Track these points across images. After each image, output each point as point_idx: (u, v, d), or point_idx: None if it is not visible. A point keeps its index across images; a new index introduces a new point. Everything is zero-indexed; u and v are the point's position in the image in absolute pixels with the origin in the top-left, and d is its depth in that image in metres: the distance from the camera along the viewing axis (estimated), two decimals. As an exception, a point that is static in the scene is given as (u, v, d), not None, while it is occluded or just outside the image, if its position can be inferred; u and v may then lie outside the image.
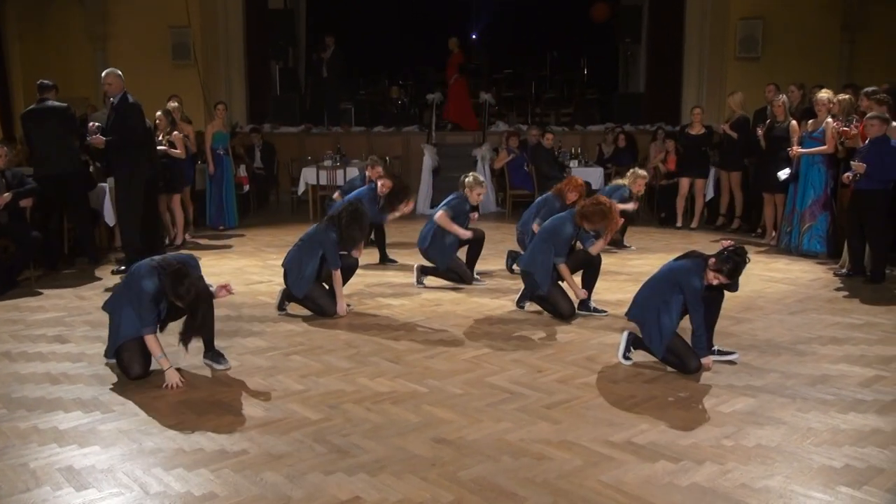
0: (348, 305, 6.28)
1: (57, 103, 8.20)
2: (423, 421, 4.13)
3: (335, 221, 6.08)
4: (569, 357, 5.16)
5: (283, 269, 6.25)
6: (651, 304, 4.88)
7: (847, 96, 8.14)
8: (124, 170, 7.76)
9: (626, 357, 5.01)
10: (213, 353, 5.00)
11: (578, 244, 6.26)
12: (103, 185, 8.80)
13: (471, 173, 7.34)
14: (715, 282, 4.75)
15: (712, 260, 4.76)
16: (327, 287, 6.22)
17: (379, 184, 8.08)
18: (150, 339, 4.67)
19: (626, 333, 5.08)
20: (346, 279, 6.33)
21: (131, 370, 4.71)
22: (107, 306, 4.96)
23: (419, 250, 7.27)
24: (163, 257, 4.88)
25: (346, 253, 6.23)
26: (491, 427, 4.04)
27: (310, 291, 6.10)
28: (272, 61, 15.13)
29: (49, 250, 7.85)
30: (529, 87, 15.84)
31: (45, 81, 8.24)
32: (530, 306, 6.38)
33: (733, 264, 4.69)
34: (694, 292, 4.74)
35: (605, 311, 6.21)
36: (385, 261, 8.35)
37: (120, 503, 3.29)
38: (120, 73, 7.60)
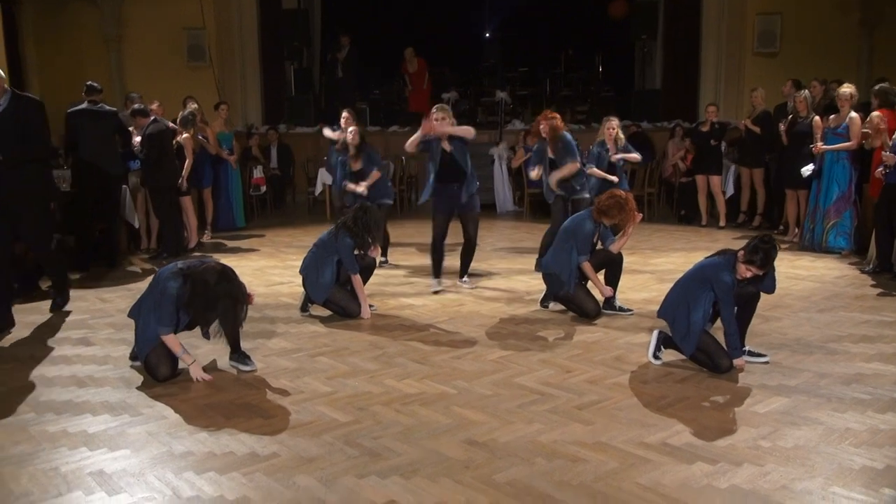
0: (371, 307, 6.25)
1: (109, 108, 8.48)
2: (454, 423, 4.08)
3: (348, 227, 6.04)
4: (597, 357, 5.11)
5: (301, 275, 6.22)
6: (681, 302, 4.83)
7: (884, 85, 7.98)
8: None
9: (655, 356, 4.96)
10: (238, 355, 4.97)
11: (599, 244, 6.21)
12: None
13: None
14: (748, 274, 4.68)
15: (741, 252, 4.70)
16: (349, 289, 6.18)
17: (350, 131, 7.90)
18: (169, 339, 4.68)
19: (656, 332, 5.03)
20: (365, 279, 6.29)
21: (158, 372, 4.70)
22: (132, 313, 4.95)
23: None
24: (188, 262, 4.88)
25: (362, 253, 6.19)
26: (523, 429, 3.99)
27: (330, 296, 6.07)
28: (287, 62, 15.12)
29: (81, 252, 7.98)
30: (544, 85, 15.76)
31: (94, 84, 8.44)
32: (554, 306, 6.33)
33: (763, 253, 4.63)
34: (725, 288, 4.68)
35: (630, 311, 6.15)
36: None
37: (153, 507, 3.27)
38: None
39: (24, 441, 3.92)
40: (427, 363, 5.04)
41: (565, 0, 16.24)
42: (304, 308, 6.28)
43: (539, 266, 7.45)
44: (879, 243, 7.25)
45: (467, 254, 7.12)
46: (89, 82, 8.41)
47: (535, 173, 7.46)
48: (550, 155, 7.33)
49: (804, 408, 4.21)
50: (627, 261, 7.22)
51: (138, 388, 4.65)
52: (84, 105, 8.22)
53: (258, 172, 11.93)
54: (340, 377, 4.80)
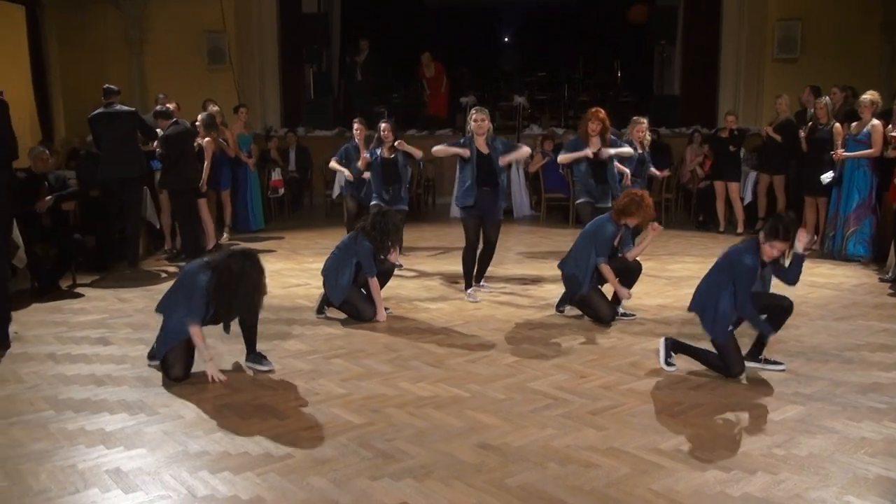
0: (387, 309, 6.27)
1: (125, 107, 8.56)
2: (467, 426, 4.10)
3: (366, 230, 6.08)
4: (611, 363, 5.11)
5: (322, 276, 6.26)
6: (709, 292, 4.79)
7: None
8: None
9: (668, 363, 4.95)
10: (255, 356, 5.02)
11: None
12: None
13: None
14: (775, 252, 4.64)
15: (762, 234, 4.68)
16: (365, 292, 6.22)
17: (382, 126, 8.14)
18: (195, 330, 4.72)
19: (663, 339, 5.02)
20: (382, 284, 6.32)
21: (172, 371, 4.75)
22: (160, 307, 4.98)
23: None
24: (213, 256, 4.96)
25: (382, 258, 6.22)
26: (536, 433, 4.00)
27: (347, 297, 6.11)
28: (306, 65, 15.19)
29: (102, 252, 8.06)
30: (563, 90, 15.73)
31: (112, 87, 8.54)
32: (570, 311, 6.32)
33: (783, 225, 4.61)
34: (743, 269, 4.63)
35: (633, 315, 6.14)
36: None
37: (168, 506, 3.30)
38: None
39: (44, 438, 3.98)
40: (441, 366, 5.06)
41: (584, 5, 16.21)
42: (320, 310, 6.32)
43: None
44: (899, 252, 7.20)
45: (486, 258, 7.12)
46: (106, 85, 8.50)
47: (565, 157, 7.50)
48: (590, 152, 7.26)
49: (819, 416, 4.19)
50: (644, 267, 7.22)
51: (155, 388, 4.70)
52: (101, 109, 8.29)
53: (276, 175, 12.00)
54: (355, 379, 4.83)
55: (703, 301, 4.83)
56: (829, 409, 4.30)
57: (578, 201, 7.51)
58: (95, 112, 8.34)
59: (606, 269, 5.99)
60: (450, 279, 7.63)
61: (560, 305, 6.35)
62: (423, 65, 14.38)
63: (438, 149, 6.86)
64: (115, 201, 8.30)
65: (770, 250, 4.66)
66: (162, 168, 8.64)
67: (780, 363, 4.92)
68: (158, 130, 8.76)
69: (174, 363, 4.76)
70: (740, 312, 4.71)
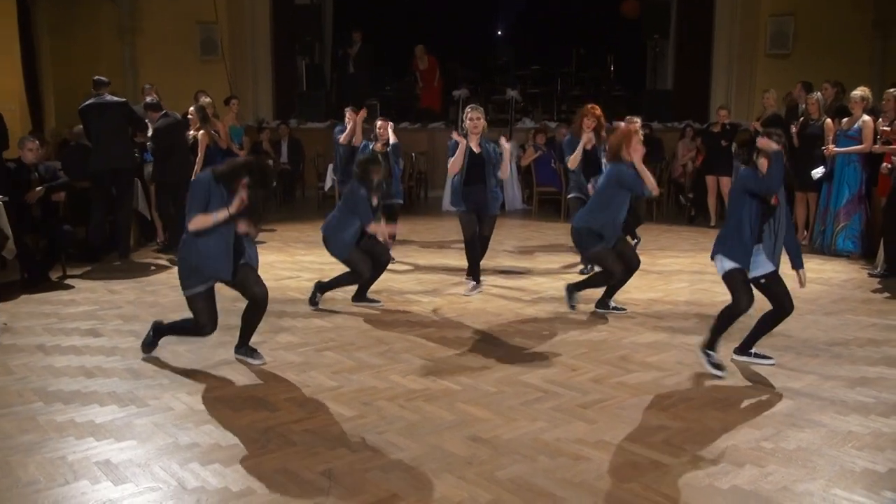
0: (377, 302, 6.28)
1: (116, 98, 8.50)
2: (458, 419, 4.10)
3: (357, 176, 6.12)
4: (602, 356, 5.12)
5: (322, 235, 6.23)
6: (728, 228, 4.79)
7: None
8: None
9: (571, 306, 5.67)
10: (246, 349, 5.01)
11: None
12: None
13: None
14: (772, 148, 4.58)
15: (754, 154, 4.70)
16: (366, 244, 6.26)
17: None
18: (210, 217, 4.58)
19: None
20: (375, 277, 6.31)
21: (206, 329, 4.86)
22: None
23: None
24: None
25: (376, 241, 6.22)
26: (526, 426, 4.01)
27: (349, 255, 6.13)
28: (298, 57, 15.15)
29: (91, 243, 8.01)
30: (555, 84, 15.72)
31: (101, 78, 8.49)
32: (559, 306, 6.33)
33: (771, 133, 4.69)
34: (745, 178, 4.69)
35: (623, 309, 6.16)
36: None
37: (157, 498, 3.29)
38: None
39: (33, 430, 3.97)
40: (432, 359, 5.06)
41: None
42: (312, 300, 6.31)
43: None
44: (887, 247, 7.23)
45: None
46: (96, 76, 8.45)
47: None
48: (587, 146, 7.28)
49: (808, 410, 4.21)
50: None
51: (146, 380, 4.69)
52: (92, 100, 8.25)
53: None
54: (346, 372, 4.83)
55: (726, 242, 4.79)
56: (817, 403, 4.32)
57: (570, 196, 7.55)
58: (86, 103, 8.29)
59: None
60: (442, 272, 7.64)
61: (571, 300, 6.24)
62: (416, 57, 14.37)
63: (453, 164, 6.74)
64: (107, 192, 8.26)
65: (764, 162, 4.61)
66: (154, 161, 8.60)
67: (769, 357, 4.94)
68: (148, 122, 8.73)
69: (203, 311, 4.80)
70: (769, 187, 4.64)
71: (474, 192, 6.72)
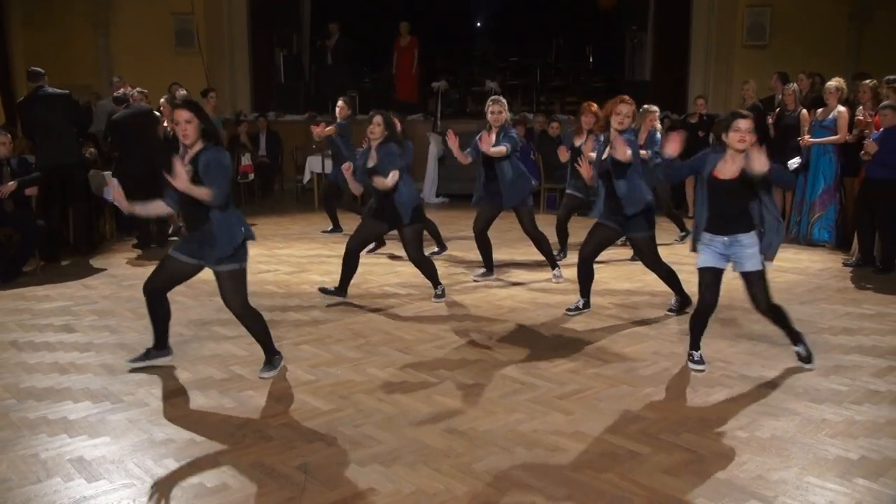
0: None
1: (57, 90, 8.09)
2: (435, 412, 4.10)
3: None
4: (579, 347, 5.13)
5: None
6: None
7: (874, 81, 7.97)
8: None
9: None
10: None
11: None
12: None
13: None
14: (738, 137, 4.39)
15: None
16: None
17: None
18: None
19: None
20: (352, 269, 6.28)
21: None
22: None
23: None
24: None
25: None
26: (503, 418, 4.02)
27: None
28: (276, 49, 15.03)
29: (51, 241, 7.79)
30: (535, 75, 15.72)
31: (37, 69, 8.07)
32: (542, 297, 6.35)
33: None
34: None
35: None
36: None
37: (131, 494, 3.27)
38: None
39: (5, 427, 3.92)
40: (410, 352, 5.06)
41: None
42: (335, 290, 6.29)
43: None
44: (861, 237, 7.30)
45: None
46: (30, 67, 8.08)
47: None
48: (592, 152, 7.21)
49: (782, 399, 4.25)
50: (611, 252, 7.30)
51: (121, 375, 4.65)
52: (30, 93, 7.99)
53: (246, 160, 11.88)
54: (323, 365, 4.82)
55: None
56: (791, 391, 4.36)
57: (568, 191, 7.76)
58: (24, 97, 7.99)
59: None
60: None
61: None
62: (400, 34, 14.23)
63: (497, 150, 6.53)
64: (58, 189, 7.97)
65: (734, 137, 4.41)
66: (116, 154, 8.32)
67: (702, 363, 4.72)
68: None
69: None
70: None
71: (492, 188, 6.72)
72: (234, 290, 4.50)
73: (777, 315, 4.68)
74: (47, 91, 7.96)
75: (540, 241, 6.94)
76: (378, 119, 5.97)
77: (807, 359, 4.71)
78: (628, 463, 3.52)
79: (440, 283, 6.34)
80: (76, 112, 8.32)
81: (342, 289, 6.26)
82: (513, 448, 3.67)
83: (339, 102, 8.47)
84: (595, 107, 7.39)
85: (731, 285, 6.68)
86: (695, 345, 4.76)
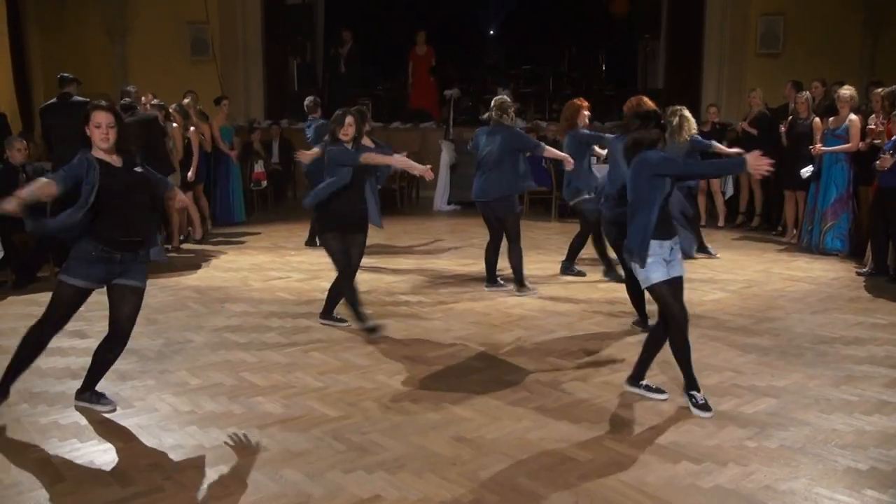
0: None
1: (80, 98, 8.13)
2: (443, 419, 4.11)
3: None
4: (588, 356, 5.12)
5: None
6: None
7: (888, 90, 7.88)
8: None
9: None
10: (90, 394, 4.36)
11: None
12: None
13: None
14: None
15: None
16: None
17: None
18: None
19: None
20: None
21: None
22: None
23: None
24: None
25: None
26: (510, 426, 4.02)
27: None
28: (290, 57, 15.11)
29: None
30: (547, 84, 15.72)
31: (67, 75, 8.16)
32: (553, 304, 6.34)
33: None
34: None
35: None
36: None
37: (142, 499, 3.29)
38: None
39: (17, 432, 3.96)
40: (418, 360, 5.06)
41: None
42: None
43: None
44: (875, 246, 7.26)
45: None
46: (61, 74, 8.15)
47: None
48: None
49: (792, 409, 4.22)
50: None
51: (131, 381, 4.68)
52: (55, 99, 8.05)
53: (259, 167, 11.95)
54: (332, 372, 4.83)
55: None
56: (801, 401, 4.33)
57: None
58: (48, 102, 8.05)
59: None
60: (431, 272, 7.63)
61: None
62: (416, 43, 14.28)
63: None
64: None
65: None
66: None
67: (662, 392, 4.41)
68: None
69: None
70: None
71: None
72: None
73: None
74: (72, 100, 8.04)
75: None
76: (350, 120, 5.82)
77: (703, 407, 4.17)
78: (635, 472, 3.51)
79: None
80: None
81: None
82: (519, 456, 3.67)
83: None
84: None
85: (747, 293, 6.70)
86: (693, 383, 4.23)
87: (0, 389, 4.17)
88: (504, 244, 6.74)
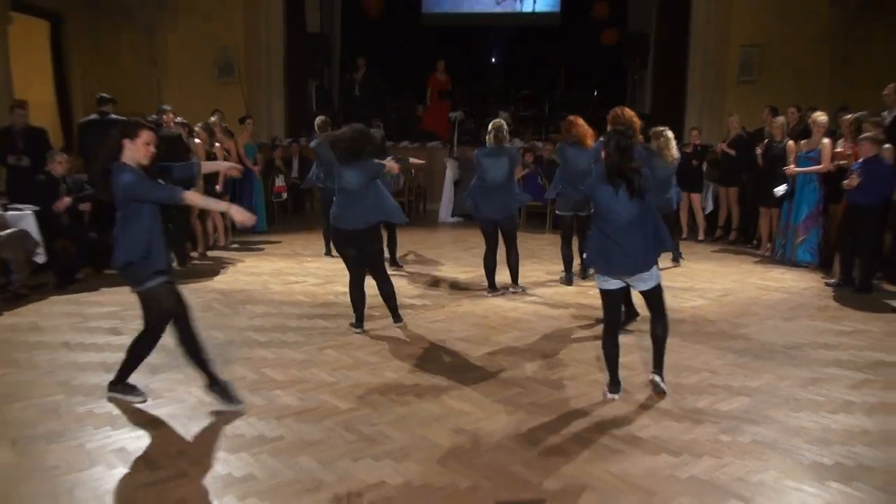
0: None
1: (118, 116, 8.24)
2: (444, 412, 4.13)
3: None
4: (578, 356, 5.14)
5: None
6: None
7: (855, 116, 7.94)
8: None
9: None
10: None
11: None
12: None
13: None
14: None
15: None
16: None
17: None
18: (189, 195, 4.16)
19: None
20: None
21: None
22: None
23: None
24: None
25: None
26: (506, 419, 4.04)
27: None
28: (309, 80, 15.18)
29: (103, 252, 7.87)
30: (544, 107, 15.76)
31: (105, 95, 8.25)
32: (549, 304, 6.36)
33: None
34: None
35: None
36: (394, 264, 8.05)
37: (168, 482, 3.32)
38: None
39: (55, 420, 3.99)
40: (423, 358, 5.09)
41: (565, 28, 16.28)
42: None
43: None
44: (843, 259, 7.26)
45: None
46: (99, 94, 8.26)
47: None
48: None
49: (763, 407, 4.24)
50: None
51: (161, 375, 4.71)
52: (93, 116, 8.12)
53: (280, 181, 12.00)
54: (344, 369, 4.85)
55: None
56: (772, 400, 4.35)
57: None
58: (87, 118, 8.09)
59: None
60: (437, 278, 7.65)
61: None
62: (437, 70, 14.36)
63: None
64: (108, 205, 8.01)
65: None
66: None
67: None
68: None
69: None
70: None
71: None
72: None
73: None
74: (109, 117, 8.14)
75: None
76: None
77: None
78: (619, 463, 3.53)
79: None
80: None
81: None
82: (514, 447, 3.69)
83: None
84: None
85: (724, 301, 6.70)
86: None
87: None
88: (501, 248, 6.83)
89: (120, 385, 4.31)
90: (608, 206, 4.16)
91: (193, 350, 4.18)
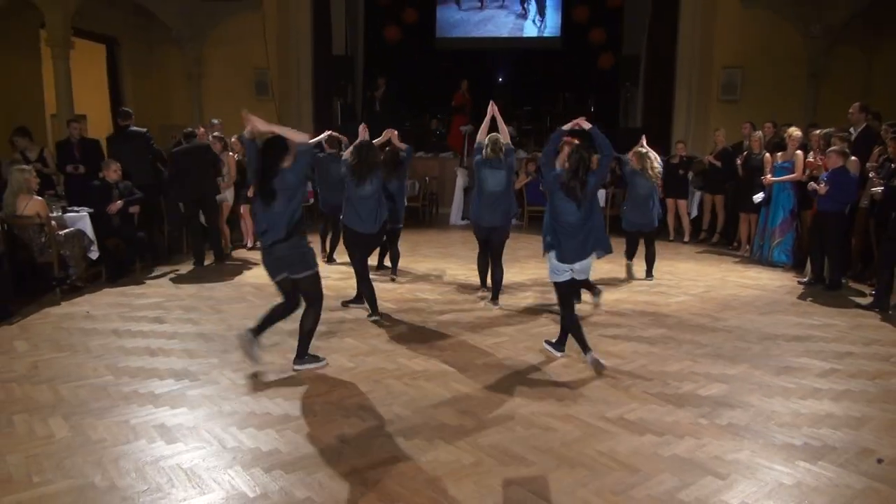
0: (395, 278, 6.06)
1: (137, 128, 8.42)
2: (451, 395, 4.11)
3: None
4: (572, 346, 5.04)
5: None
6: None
7: (824, 131, 7.85)
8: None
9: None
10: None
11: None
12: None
13: None
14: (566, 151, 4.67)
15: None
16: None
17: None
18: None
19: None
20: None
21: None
22: None
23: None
24: None
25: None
26: (507, 402, 4.02)
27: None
28: (335, 98, 15.21)
29: (150, 249, 7.96)
30: (545, 122, 15.72)
31: (126, 109, 8.40)
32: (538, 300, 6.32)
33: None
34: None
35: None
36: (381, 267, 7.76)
37: (201, 455, 3.33)
38: None
39: (103, 398, 4.01)
40: (433, 347, 5.07)
41: (565, 52, 16.23)
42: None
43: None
44: (813, 260, 7.19)
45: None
46: (121, 108, 8.37)
47: None
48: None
49: (739, 393, 4.20)
50: (606, 268, 7.26)
51: (199, 359, 4.72)
52: (133, 128, 8.24)
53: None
54: (362, 355, 4.85)
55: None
56: (747, 387, 4.30)
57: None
58: (112, 134, 8.23)
59: None
60: (447, 276, 7.63)
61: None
62: (462, 89, 14.34)
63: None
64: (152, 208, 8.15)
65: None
66: (171, 181, 8.22)
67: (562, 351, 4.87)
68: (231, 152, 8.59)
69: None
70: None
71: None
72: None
73: None
74: (130, 129, 8.27)
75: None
76: None
77: None
78: (608, 442, 3.50)
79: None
80: (150, 146, 8.53)
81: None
82: (513, 427, 3.67)
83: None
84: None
85: (706, 297, 6.64)
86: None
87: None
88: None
89: (302, 359, 4.53)
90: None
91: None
